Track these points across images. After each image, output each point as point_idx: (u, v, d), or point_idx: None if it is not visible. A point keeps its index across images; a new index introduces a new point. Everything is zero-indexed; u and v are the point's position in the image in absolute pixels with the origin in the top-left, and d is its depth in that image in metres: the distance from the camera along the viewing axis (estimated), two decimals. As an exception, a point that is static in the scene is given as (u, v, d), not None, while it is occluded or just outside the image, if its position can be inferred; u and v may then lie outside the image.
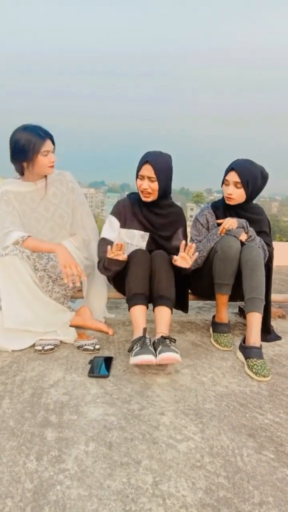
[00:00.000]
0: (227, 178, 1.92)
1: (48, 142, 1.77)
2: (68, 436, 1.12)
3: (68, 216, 1.95)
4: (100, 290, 2.10)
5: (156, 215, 1.93)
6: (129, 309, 1.69)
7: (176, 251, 1.81)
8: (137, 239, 1.94)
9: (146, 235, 1.94)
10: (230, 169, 1.90)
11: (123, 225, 1.95)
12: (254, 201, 2.05)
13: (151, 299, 1.75)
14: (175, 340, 1.61)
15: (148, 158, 1.80)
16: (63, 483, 0.94)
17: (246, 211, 1.97)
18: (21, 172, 1.84)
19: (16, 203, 1.85)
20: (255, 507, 0.90)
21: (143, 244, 1.93)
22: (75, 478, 0.96)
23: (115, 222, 1.95)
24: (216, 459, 1.06)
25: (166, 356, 1.48)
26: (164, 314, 1.68)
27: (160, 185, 1.82)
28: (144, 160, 1.82)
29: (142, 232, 1.94)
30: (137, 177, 1.87)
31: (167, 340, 1.57)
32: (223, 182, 1.96)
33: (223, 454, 1.08)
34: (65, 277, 1.70)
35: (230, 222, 1.86)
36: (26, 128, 1.75)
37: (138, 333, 1.61)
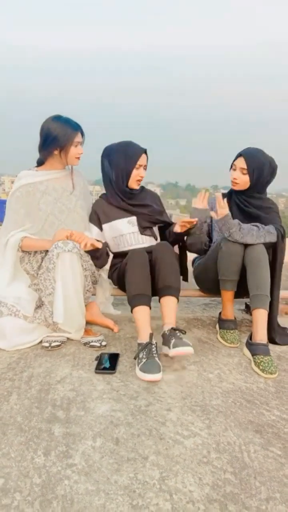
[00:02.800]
0: (235, 163, 1.95)
1: (79, 134, 1.82)
2: (75, 431, 1.13)
3: (86, 208, 1.98)
4: (102, 285, 2.11)
5: (132, 198, 1.98)
6: (131, 311, 1.67)
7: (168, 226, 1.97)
8: (126, 226, 1.96)
9: (133, 219, 1.97)
10: (239, 155, 1.93)
11: (105, 220, 1.98)
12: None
13: (156, 290, 1.75)
14: (185, 331, 1.62)
15: (145, 150, 1.93)
16: (70, 478, 0.95)
17: (256, 201, 1.95)
18: (44, 161, 1.87)
19: (38, 193, 1.84)
20: (262, 503, 0.90)
21: (134, 229, 1.95)
22: (82, 473, 0.97)
23: (94, 229, 1.98)
24: (222, 455, 1.06)
25: (181, 351, 1.49)
26: (171, 304, 1.69)
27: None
28: (141, 151, 1.92)
29: (127, 218, 1.97)
30: (129, 167, 1.91)
31: (177, 332, 1.59)
32: (231, 167, 1.99)
33: (229, 450, 1.08)
34: (80, 239, 1.69)
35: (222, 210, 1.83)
36: (60, 118, 1.80)
37: (144, 337, 1.58)
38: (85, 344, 1.74)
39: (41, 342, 1.73)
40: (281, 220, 1.97)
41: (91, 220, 1.99)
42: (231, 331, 1.87)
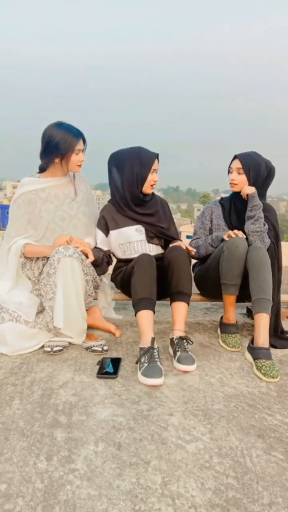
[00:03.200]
0: (231, 166, 2.01)
1: (81, 141, 1.82)
2: (77, 436, 1.13)
3: (89, 214, 1.98)
4: (104, 290, 2.12)
5: (142, 206, 1.99)
6: (135, 314, 1.68)
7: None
8: (135, 234, 1.97)
9: (141, 227, 1.97)
10: (234, 157, 1.99)
11: (113, 227, 1.98)
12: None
13: (169, 293, 1.77)
14: (192, 342, 1.66)
15: (157, 154, 1.97)
16: (73, 483, 0.95)
17: None
18: (46, 168, 1.88)
19: (39, 200, 1.86)
20: (264, 508, 0.90)
21: (142, 237, 1.96)
22: (84, 478, 0.97)
23: (100, 235, 1.99)
24: (225, 459, 1.06)
25: (182, 368, 1.55)
26: (182, 310, 1.73)
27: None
28: (155, 155, 1.95)
29: (135, 226, 1.97)
30: (144, 173, 1.92)
31: (184, 341, 1.63)
32: (228, 171, 2.04)
33: (232, 455, 1.08)
34: (79, 245, 1.71)
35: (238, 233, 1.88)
36: (61, 125, 1.80)
37: (146, 342, 1.59)
38: (87, 348, 1.74)
39: (43, 347, 1.74)
40: (278, 229, 2.00)
41: (98, 225, 2.00)
42: (233, 335, 1.87)
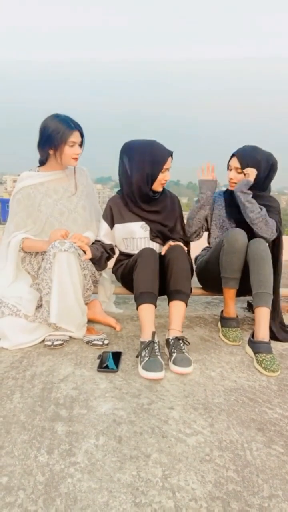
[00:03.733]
0: (229, 163, 1.98)
1: (76, 133, 1.78)
2: (78, 430, 1.13)
3: (89, 208, 1.97)
4: (104, 284, 2.11)
5: (151, 204, 1.94)
6: (137, 308, 1.67)
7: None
8: (139, 230, 1.93)
9: (146, 225, 1.94)
10: (232, 155, 1.96)
11: (119, 220, 1.94)
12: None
13: (166, 292, 1.74)
14: (189, 342, 1.62)
15: (171, 152, 1.89)
16: (74, 476, 0.95)
17: (259, 200, 1.93)
18: (45, 161, 1.86)
19: (38, 195, 1.84)
20: (264, 500, 0.90)
21: (146, 234, 1.93)
22: (85, 471, 0.97)
23: (104, 227, 1.96)
24: (225, 453, 1.06)
25: (179, 370, 1.49)
26: (180, 310, 1.68)
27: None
28: (168, 153, 1.87)
29: (141, 223, 1.94)
30: (156, 171, 1.85)
31: (181, 341, 1.58)
32: (228, 168, 2.01)
33: (232, 448, 1.08)
34: (77, 240, 1.70)
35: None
36: (57, 117, 1.77)
37: (146, 336, 1.59)
38: (87, 342, 1.75)
39: (43, 341, 1.74)
40: (281, 221, 1.97)
41: (103, 216, 1.97)
42: (233, 329, 1.87)
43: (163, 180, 1.89)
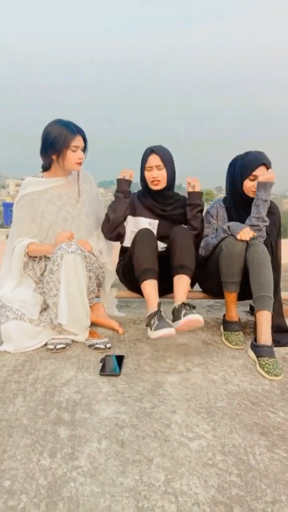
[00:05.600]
0: (255, 173, 1.94)
1: (79, 138, 1.79)
2: (80, 433, 1.13)
3: (92, 215, 1.98)
4: (106, 287, 2.12)
5: (162, 204, 2.02)
6: (140, 284, 1.75)
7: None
8: (146, 226, 1.98)
9: (155, 222, 2.01)
10: (260, 163, 1.93)
11: (131, 213, 2.03)
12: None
13: (172, 266, 1.80)
14: (195, 306, 1.68)
15: (153, 149, 1.95)
16: (76, 480, 0.95)
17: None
18: (48, 166, 1.87)
19: (42, 202, 1.85)
20: (267, 505, 0.90)
21: (153, 232, 1.97)
22: (88, 475, 0.97)
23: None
24: (228, 457, 1.06)
25: (191, 318, 1.56)
26: (184, 283, 1.76)
27: (168, 171, 1.96)
28: (149, 151, 1.95)
29: (150, 220, 2.01)
30: (143, 170, 1.98)
31: (187, 306, 1.65)
32: (246, 177, 1.99)
33: (235, 453, 1.08)
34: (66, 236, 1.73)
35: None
36: (59, 122, 1.79)
37: (152, 307, 1.67)
38: (90, 346, 1.75)
39: (46, 344, 1.74)
40: (279, 226, 1.96)
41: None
42: (236, 333, 1.87)
43: (151, 178, 1.96)
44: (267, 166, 1.89)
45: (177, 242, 1.79)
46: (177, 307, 1.67)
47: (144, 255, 1.75)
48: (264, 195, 1.85)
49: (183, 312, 1.60)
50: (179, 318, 1.60)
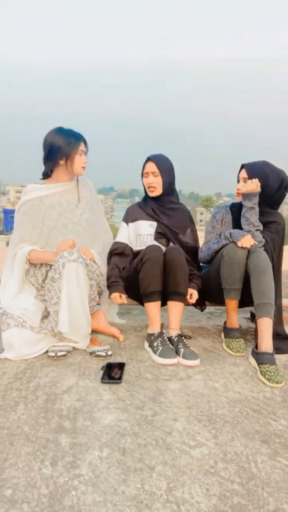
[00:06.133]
0: (239, 175, 2.01)
1: (83, 143, 1.87)
2: (82, 441, 1.13)
3: (92, 220, 2.00)
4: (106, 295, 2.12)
5: (162, 207, 2.08)
6: (144, 302, 1.83)
7: (187, 247, 2.01)
8: (147, 228, 2.05)
9: (154, 224, 2.07)
10: (241, 166, 1.99)
11: (131, 220, 2.11)
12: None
13: (166, 292, 1.85)
14: (190, 336, 1.84)
15: (150, 157, 2.04)
16: (78, 488, 0.95)
17: (263, 216, 1.94)
18: (50, 173, 1.89)
19: (42, 207, 1.87)
20: (270, 514, 0.89)
21: (151, 231, 2.04)
22: (89, 483, 0.97)
23: (123, 225, 2.13)
24: (230, 465, 1.05)
25: (190, 363, 1.67)
26: (178, 310, 1.85)
27: (164, 178, 2.02)
28: (147, 159, 2.05)
29: (149, 222, 2.07)
30: (142, 177, 2.08)
31: (183, 337, 1.80)
32: (238, 181, 2.03)
33: (236, 461, 1.07)
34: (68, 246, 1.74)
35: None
36: (62, 130, 1.85)
37: (155, 327, 1.80)
38: (91, 353, 1.75)
39: (47, 352, 1.74)
40: (282, 238, 1.97)
41: (123, 219, 2.15)
42: (237, 340, 1.87)
43: (147, 184, 2.05)
44: (246, 168, 1.94)
45: (172, 266, 1.80)
46: (174, 338, 1.79)
47: (151, 277, 1.78)
48: (249, 203, 1.89)
49: (182, 351, 1.70)
50: (179, 353, 1.71)
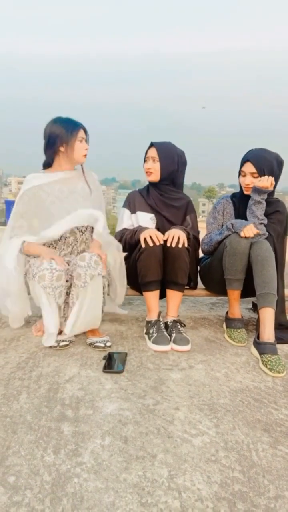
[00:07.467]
0: (243, 169, 1.94)
1: (82, 130, 1.85)
2: (84, 430, 1.14)
3: (92, 207, 1.97)
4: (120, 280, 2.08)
5: (163, 197, 2.05)
6: (143, 291, 1.86)
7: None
8: (148, 221, 2.02)
9: (154, 218, 2.04)
10: (246, 160, 1.92)
11: (133, 210, 2.08)
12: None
13: (165, 280, 1.86)
14: (185, 324, 1.88)
15: (153, 142, 2.03)
16: (80, 476, 0.96)
17: (266, 205, 1.92)
18: (51, 162, 1.87)
19: (43, 194, 1.83)
20: (270, 501, 0.90)
21: (152, 225, 2.01)
22: (92, 471, 0.98)
23: (127, 212, 2.10)
24: (231, 453, 1.06)
25: (178, 348, 1.71)
26: (176, 299, 1.89)
27: (162, 165, 1.99)
28: (150, 145, 2.04)
29: (150, 215, 2.04)
30: (144, 162, 2.06)
31: (178, 324, 1.84)
32: (239, 174, 1.97)
33: (238, 449, 1.08)
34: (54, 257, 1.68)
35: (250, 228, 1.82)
36: (60, 118, 1.84)
37: (152, 315, 1.84)
38: (90, 344, 1.75)
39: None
40: (285, 227, 1.95)
41: (124, 205, 2.13)
42: (238, 330, 1.87)
43: (146, 169, 2.04)
44: (252, 162, 1.88)
45: (171, 256, 1.80)
46: (169, 323, 1.84)
47: (149, 266, 1.79)
48: (257, 198, 1.87)
49: (174, 336, 1.76)
50: (171, 338, 1.76)
